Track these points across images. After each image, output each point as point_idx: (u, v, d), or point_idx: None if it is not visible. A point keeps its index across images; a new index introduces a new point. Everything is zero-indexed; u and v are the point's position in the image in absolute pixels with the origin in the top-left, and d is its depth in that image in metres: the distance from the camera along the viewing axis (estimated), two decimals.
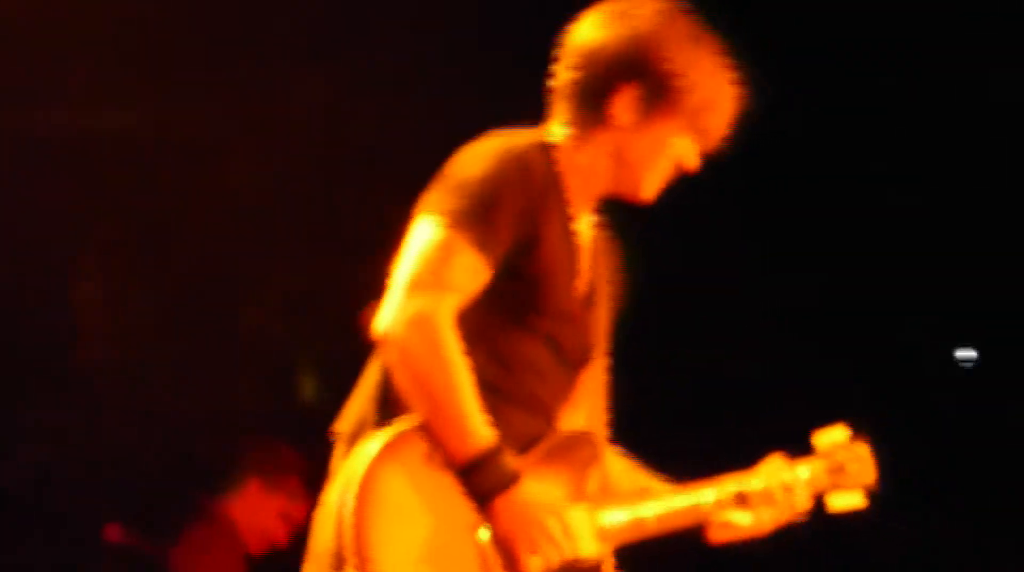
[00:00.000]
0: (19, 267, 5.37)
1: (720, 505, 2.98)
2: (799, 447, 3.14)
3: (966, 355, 6.86)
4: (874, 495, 3.15)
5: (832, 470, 3.14)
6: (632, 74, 2.75)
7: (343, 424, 2.74)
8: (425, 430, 2.59)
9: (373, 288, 2.70)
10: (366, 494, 2.52)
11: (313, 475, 3.40)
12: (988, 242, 6.01)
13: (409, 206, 2.72)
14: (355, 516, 2.51)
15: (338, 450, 2.72)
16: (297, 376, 5.79)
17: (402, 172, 2.93)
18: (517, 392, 2.74)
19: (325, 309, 5.48)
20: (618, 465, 3.06)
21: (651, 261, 3.36)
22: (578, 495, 2.79)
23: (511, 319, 2.73)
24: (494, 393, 2.65)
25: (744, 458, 3.09)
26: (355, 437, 2.67)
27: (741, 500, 2.99)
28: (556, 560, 2.64)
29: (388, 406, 2.66)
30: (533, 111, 2.87)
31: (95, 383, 5.66)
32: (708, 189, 3.05)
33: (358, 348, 2.84)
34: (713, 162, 2.87)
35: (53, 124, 5.35)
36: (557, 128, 2.83)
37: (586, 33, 2.80)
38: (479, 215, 2.61)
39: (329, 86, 5.44)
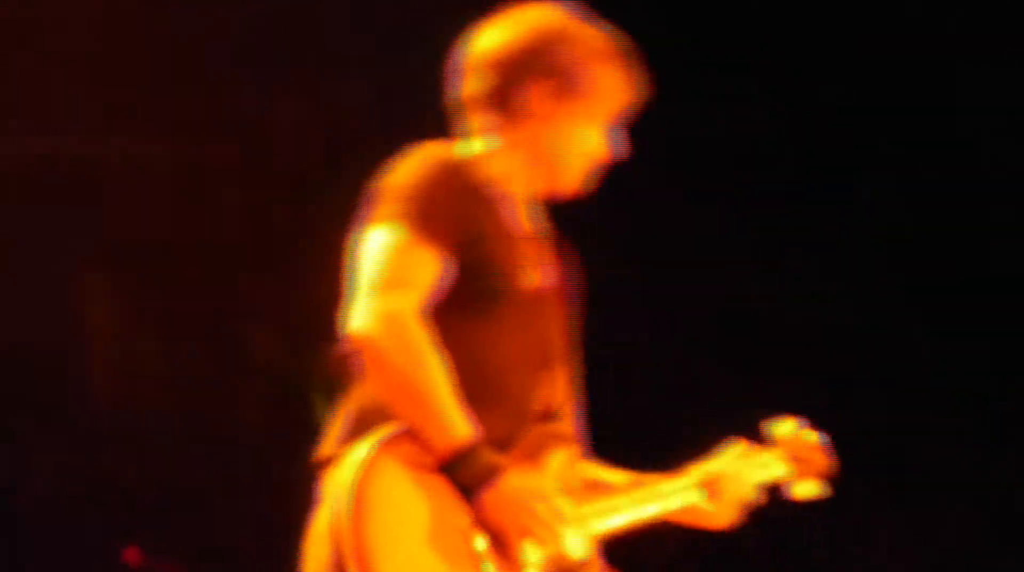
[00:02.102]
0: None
1: (688, 490, 3.03)
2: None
3: None
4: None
5: (791, 459, 3.20)
6: (538, 69, 2.91)
7: (325, 448, 2.76)
8: (410, 434, 2.63)
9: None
10: (361, 498, 2.54)
11: None
12: None
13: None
14: (352, 520, 2.53)
15: (322, 475, 2.73)
16: (309, 398, 5.74)
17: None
18: (493, 393, 2.76)
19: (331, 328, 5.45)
20: (591, 468, 3.06)
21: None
22: (562, 489, 2.80)
23: (477, 316, 2.78)
24: (470, 396, 2.68)
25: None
26: (337, 458, 2.69)
27: (707, 485, 3.04)
28: (551, 545, 2.68)
29: (366, 423, 2.69)
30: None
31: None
32: None
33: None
34: None
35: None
36: (475, 142, 2.95)
37: (486, 42, 2.96)
38: (421, 213, 2.73)
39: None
